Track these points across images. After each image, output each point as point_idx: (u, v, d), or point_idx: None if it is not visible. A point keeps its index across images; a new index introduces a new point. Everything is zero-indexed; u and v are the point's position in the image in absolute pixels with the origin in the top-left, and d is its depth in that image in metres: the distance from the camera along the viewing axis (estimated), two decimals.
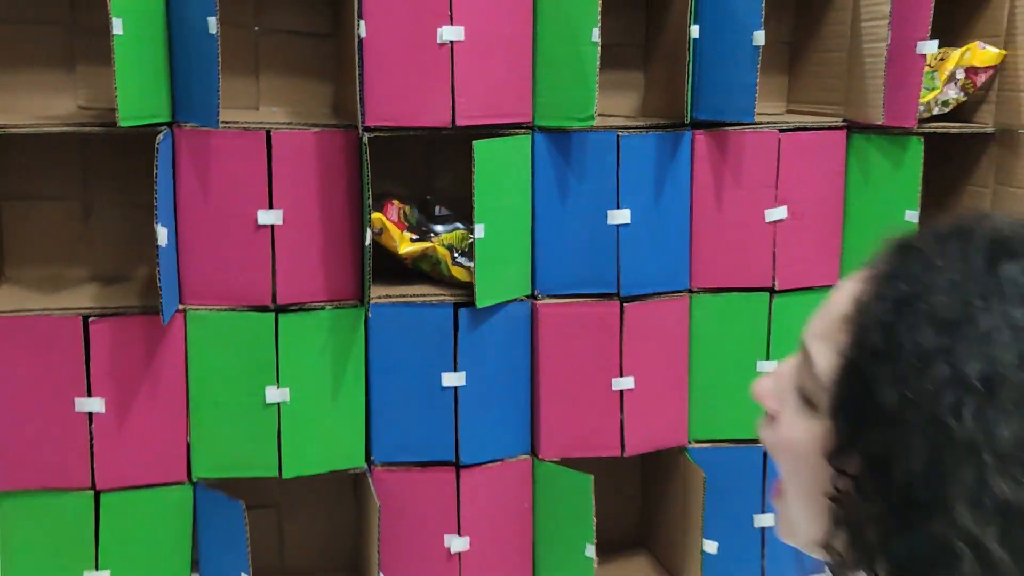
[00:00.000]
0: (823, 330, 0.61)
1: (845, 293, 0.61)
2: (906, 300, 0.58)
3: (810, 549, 0.65)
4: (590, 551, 1.30)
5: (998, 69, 1.32)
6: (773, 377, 0.66)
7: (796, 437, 0.63)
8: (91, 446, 1.17)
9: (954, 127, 1.35)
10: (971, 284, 0.52)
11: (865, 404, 0.57)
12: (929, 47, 1.20)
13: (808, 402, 0.62)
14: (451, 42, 1.16)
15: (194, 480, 1.22)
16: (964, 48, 1.33)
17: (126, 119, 1.04)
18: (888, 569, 0.54)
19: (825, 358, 0.59)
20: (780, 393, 0.64)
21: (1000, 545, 0.48)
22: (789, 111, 1.43)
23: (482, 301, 1.21)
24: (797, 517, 0.63)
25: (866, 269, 0.60)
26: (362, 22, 1.09)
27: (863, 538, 0.56)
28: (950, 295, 0.52)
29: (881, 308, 0.57)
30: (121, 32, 1.02)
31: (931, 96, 1.31)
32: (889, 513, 0.56)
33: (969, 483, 0.49)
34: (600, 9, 1.16)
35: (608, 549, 1.45)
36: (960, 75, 1.32)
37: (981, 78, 1.32)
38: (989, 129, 1.36)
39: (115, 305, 1.17)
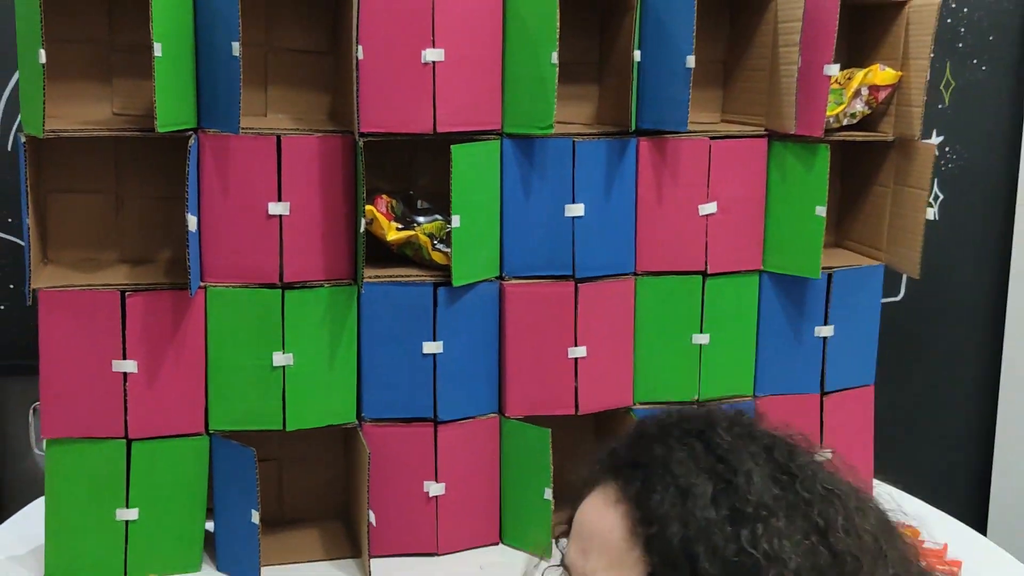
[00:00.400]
0: (608, 562, 0.72)
1: (609, 521, 0.72)
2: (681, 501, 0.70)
3: None
4: (548, 494, 1.49)
5: (895, 87, 1.54)
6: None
7: (602, 524, 0.75)
8: (125, 401, 1.34)
9: (859, 136, 1.57)
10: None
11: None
12: (832, 70, 1.42)
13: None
14: (433, 62, 1.36)
15: (211, 431, 1.39)
16: (867, 69, 1.54)
17: (163, 126, 1.24)
18: None
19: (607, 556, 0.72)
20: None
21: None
22: (723, 120, 1.64)
23: (458, 281, 1.41)
24: None
25: (608, 491, 0.73)
26: (359, 46, 1.30)
27: None
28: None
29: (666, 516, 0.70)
30: (160, 54, 1.22)
31: (839, 109, 1.53)
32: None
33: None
34: (559, 36, 1.36)
35: (569, 496, 1.66)
36: (864, 92, 1.55)
37: (882, 94, 1.55)
38: (889, 138, 1.57)
39: (146, 282, 1.35)
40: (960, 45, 2.01)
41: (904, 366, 2.09)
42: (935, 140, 2.04)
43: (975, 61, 2.03)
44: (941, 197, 2.06)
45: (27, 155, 1.24)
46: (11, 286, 1.67)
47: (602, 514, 0.74)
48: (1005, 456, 2.14)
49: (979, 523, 2.10)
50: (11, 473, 1.68)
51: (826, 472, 0.76)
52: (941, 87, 2.03)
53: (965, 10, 1.99)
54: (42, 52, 1.17)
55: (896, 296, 2.06)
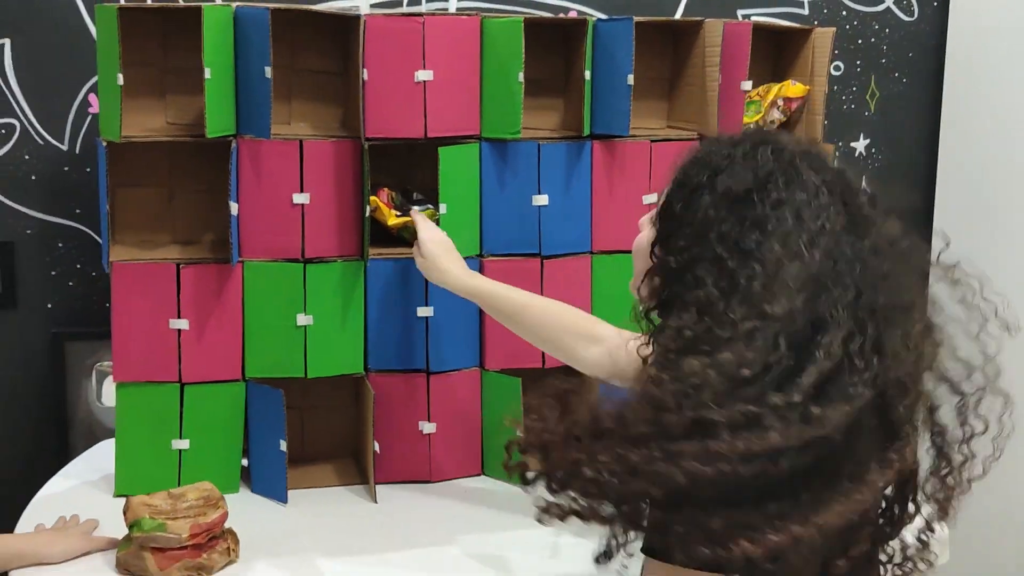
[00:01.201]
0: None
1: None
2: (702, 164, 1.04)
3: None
4: (520, 432, 1.83)
5: (805, 99, 1.87)
6: (645, 218, 1.17)
7: (640, 238, 1.15)
8: (179, 352, 1.65)
9: None
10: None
11: (666, 211, 1.05)
12: (747, 85, 1.73)
13: (652, 222, 1.10)
14: (424, 81, 1.64)
15: (246, 378, 1.70)
16: (781, 84, 1.86)
17: (211, 132, 1.57)
18: (662, 289, 1.04)
19: (658, 198, 1.09)
20: (645, 222, 1.15)
21: (731, 259, 0.96)
22: (668, 126, 1.92)
23: None
24: (636, 285, 1.11)
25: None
26: (364, 69, 1.62)
27: (654, 278, 1.05)
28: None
29: (684, 167, 1.06)
30: (209, 76, 1.55)
31: (758, 117, 1.85)
32: (668, 259, 1.03)
33: (705, 231, 0.99)
34: (524, 59, 1.67)
35: None
36: (780, 103, 1.86)
37: (793, 105, 1.86)
38: None
39: (196, 257, 1.69)
40: (884, 61, 2.32)
41: None
42: (863, 143, 2.35)
43: (897, 75, 2.33)
44: (869, 191, 2.36)
45: (107, 157, 1.57)
46: (77, 265, 1.99)
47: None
48: None
49: None
50: (75, 422, 2.01)
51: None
52: (867, 97, 2.33)
53: (887, 31, 2.30)
54: (120, 76, 1.50)
55: None
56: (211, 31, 1.53)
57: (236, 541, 1.46)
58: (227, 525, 1.45)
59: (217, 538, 1.42)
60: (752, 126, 1.81)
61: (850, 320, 0.96)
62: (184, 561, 1.38)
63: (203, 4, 1.53)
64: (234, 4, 1.60)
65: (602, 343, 1.46)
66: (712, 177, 1.02)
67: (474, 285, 1.56)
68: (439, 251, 1.58)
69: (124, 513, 1.42)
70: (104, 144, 1.56)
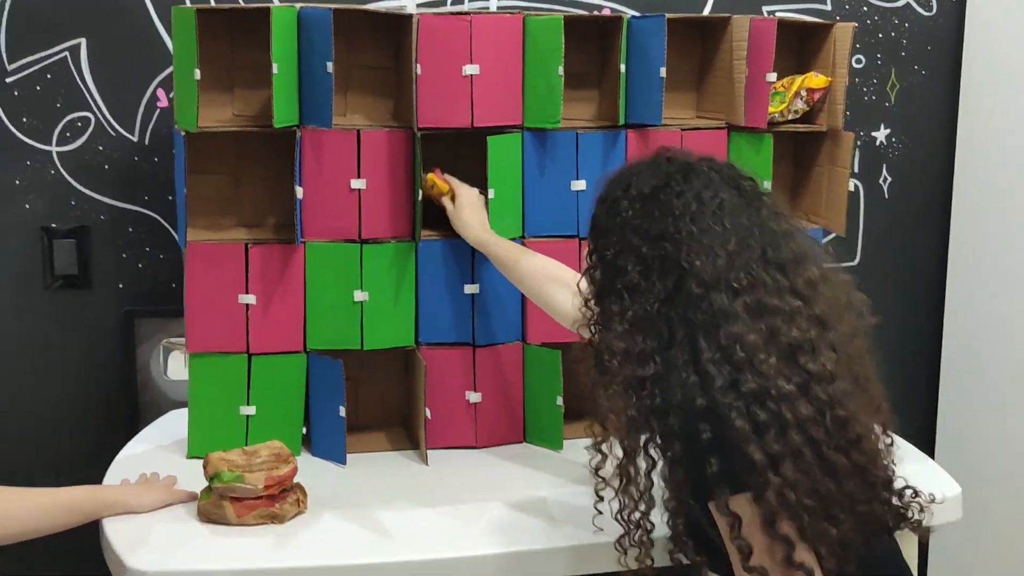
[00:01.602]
0: None
1: None
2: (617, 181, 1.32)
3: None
4: (559, 401, 1.90)
5: (827, 90, 1.98)
6: None
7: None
8: (247, 325, 1.77)
9: (800, 127, 1.98)
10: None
11: (593, 224, 1.31)
12: (771, 77, 1.84)
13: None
14: (471, 75, 1.77)
15: (308, 350, 1.84)
16: (805, 75, 1.97)
17: (278, 123, 1.71)
18: (594, 278, 1.28)
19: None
20: None
21: (647, 246, 1.19)
22: (697, 116, 2.04)
23: None
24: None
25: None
26: (418, 64, 1.75)
27: (592, 275, 1.28)
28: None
29: (604, 186, 1.32)
30: (277, 72, 1.69)
31: (783, 107, 1.96)
32: (596, 259, 1.29)
33: (623, 229, 1.21)
34: (564, 54, 1.80)
35: (574, 415, 2.07)
36: (803, 93, 1.97)
37: (816, 95, 1.97)
38: (823, 128, 1.97)
39: (262, 238, 1.83)
40: (903, 54, 2.42)
41: None
42: (883, 132, 2.45)
43: (916, 67, 2.44)
44: (889, 179, 2.47)
45: (185, 146, 1.71)
46: (146, 248, 2.14)
47: None
48: (949, 408, 2.52)
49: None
50: (144, 394, 2.16)
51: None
52: (888, 88, 2.44)
53: (906, 25, 2.41)
54: (197, 71, 1.65)
55: (853, 261, 2.48)
56: (278, 30, 1.67)
57: (304, 494, 1.60)
58: (295, 480, 1.60)
59: (288, 490, 1.57)
60: (776, 116, 1.93)
61: (763, 273, 1.20)
62: (259, 510, 1.53)
63: (271, 6, 1.67)
64: (297, 5, 1.74)
65: (568, 285, 1.63)
66: (625, 188, 1.28)
67: (484, 239, 1.75)
68: (464, 203, 1.78)
69: (204, 467, 1.56)
70: (183, 134, 1.70)
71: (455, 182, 1.82)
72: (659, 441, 1.24)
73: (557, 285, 1.66)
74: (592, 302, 1.33)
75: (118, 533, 1.50)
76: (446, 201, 1.82)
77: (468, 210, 1.77)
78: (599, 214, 1.32)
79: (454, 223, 1.80)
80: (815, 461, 1.15)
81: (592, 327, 1.33)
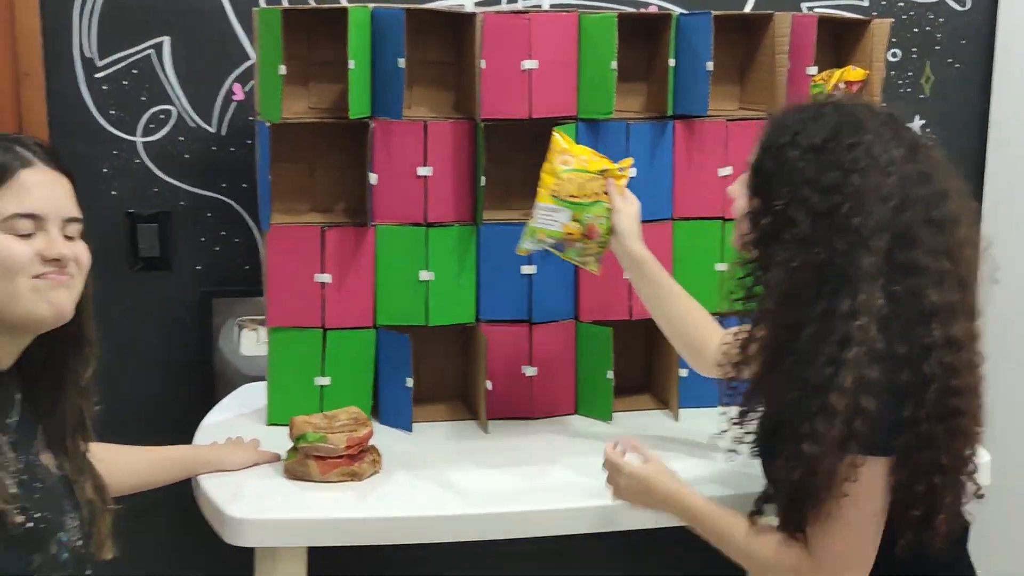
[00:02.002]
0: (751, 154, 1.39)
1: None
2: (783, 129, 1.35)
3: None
4: (610, 375, 2.01)
5: (864, 82, 2.09)
6: (735, 183, 1.45)
7: (737, 203, 1.42)
8: (323, 302, 1.89)
9: None
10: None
11: (759, 170, 1.35)
12: (812, 70, 1.96)
13: (745, 185, 1.39)
14: (530, 69, 1.88)
15: (377, 325, 1.98)
16: (843, 69, 2.06)
17: (354, 115, 1.85)
18: (758, 223, 1.32)
19: (751, 157, 1.39)
20: (736, 189, 1.44)
21: (817, 196, 1.25)
22: (740, 108, 2.13)
23: None
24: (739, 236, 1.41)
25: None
26: (482, 60, 1.88)
27: (756, 229, 1.34)
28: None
29: (767, 133, 1.36)
30: (353, 67, 1.83)
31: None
32: (765, 205, 1.32)
33: (789, 177, 1.29)
34: (616, 49, 1.94)
35: (623, 390, 2.14)
36: (842, 85, 2.07)
37: (854, 87, 2.07)
38: None
39: (337, 221, 1.98)
40: (938, 48, 2.52)
41: None
42: (918, 123, 2.56)
43: (950, 60, 2.53)
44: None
45: (269, 136, 1.86)
46: (222, 233, 2.28)
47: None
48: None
49: None
50: (220, 369, 2.32)
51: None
52: (923, 81, 2.54)
53: (941, 20, 2.51)
54: (282, 67, 1.79)
55: None
56: (355, 29, 1.81)
57: (379, 455, 1.75)
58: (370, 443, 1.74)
59: (365, 451, 1.71)
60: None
61: (923, 231, 1.25)
62: (341, 468, 1.67)
63: (348, 7, 1.81)
64: (370, 5, 1.88)
65: (713, 336, 1.68)
66: (792, 137, 1.29)
67: (645, 256, 1.71)
68: (623, 212, 1.70)
69: (290, 429, 1.71)
70: (267, 125, 1.85)
71: (614, 190, 1.72)
72: (802, 388, 1.28)
73: (706, 332, 1.69)
74: (753, 246, 1.35)
75: (214, 487, 1.65)
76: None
77: (626, 219, 1.70)
78: (765, 161, 1.32)
79: (617, 236, 1.71)
80: (950, 428, 1.24)
81: (753, 270, 1.37)
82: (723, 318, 2.02)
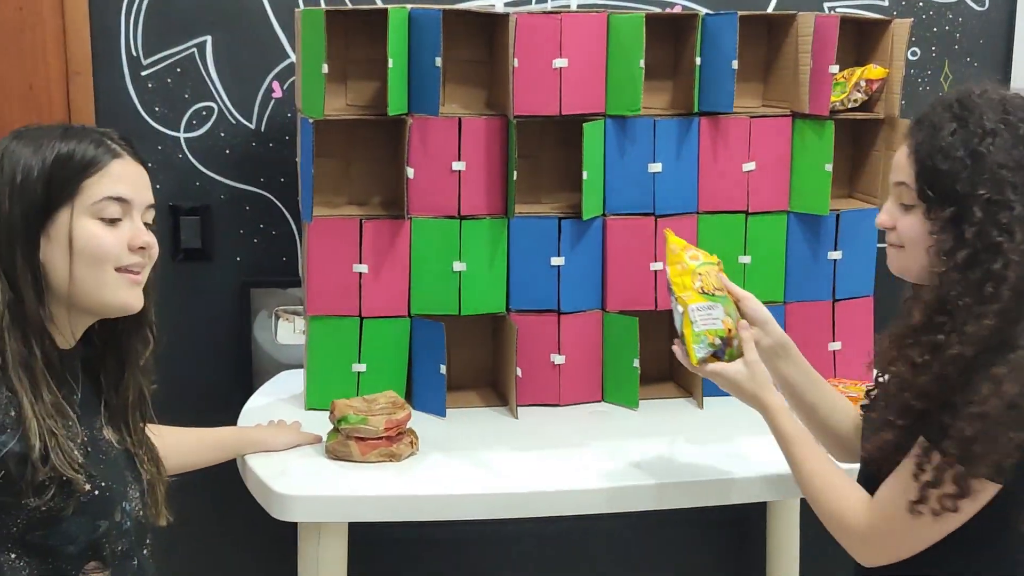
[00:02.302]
0: (895, 166, 1.28)
1: (900, 152, 1.28)
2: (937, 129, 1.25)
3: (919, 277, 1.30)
4: (636, 363, 2.10)
5: (884, 80, 2.15)
6: (882, 213, 1.33)
7: (909, 229, 1.29)
8: (360, 291, 1.97)
9: (859, 115, 2.12)
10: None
11: (934, 174, 1.23)
12: (834, 68, 2.02)
13: (905, 207, 1.28)
14: (560, 68, 1.96)
15: (411, 314, 2.06)
16: (864, 67, 2.12)
17: (392, 111, 1.93)
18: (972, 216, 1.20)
19: (904, 174, 1.27)
20: (887, 215, 1.32)
21: (1014, 174, 1.19)
22: (763, 104, 2.19)
23: (587, 215, 1.97)
24: (912, 264, 1.31)
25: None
26: (515, 59, 1.95)
27: (958, 232, 1.22)
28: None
29: (924, 137, 1.26)
30: (392, 65, 1.91)
31: (843, 96, 2.12)
32: (951, 223, 1.21)
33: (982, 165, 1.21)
34: (644, 47, 2.01)
35: (648, 378, 2.19)
36: (862, 83, 2.14)
37: (875, 86, 2.14)
38: (880, 116, 2.12)
39: (374, 213, 2.06)
40: (957, 47, 2.57)
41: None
42: None
43: (968, 59, 2.58)
44: None
45: (313, 132, 1.93)
46: (261, 225, 2.36)
47: (900, 149, 1.32)
48: None
49: None
50: (258, 356, 2.40)
51: None
52: (942, 79, 2.59)
53: (960, 19, 2.56)
54: (325, 66, 1.87)
55: None
56: (394, 30, 1.88)
57: (416, 437, 1.82)
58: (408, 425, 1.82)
59: (403, 433, 1.79)
60: (836, 104, 2.10)
61: None
62: (380, 449, 1.75)
63: (389, 8, 1.89)
64: (408, 7, 1.95)
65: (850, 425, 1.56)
66: (953, 131, 1.24)
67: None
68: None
69: (331, 412, 1.79)
70: (310, 122, 1.93)
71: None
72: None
73: (847, 417, 1.57)
74: (955, 254, 1.24)
75: (260, 466, 1.73)
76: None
77: (760, 305, 1.56)
78: (939, 164, 1.24)
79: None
80: None
81: (956, 285, 1.24)
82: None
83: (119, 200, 1.25)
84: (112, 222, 1.25)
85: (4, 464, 1.16)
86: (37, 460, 1.16)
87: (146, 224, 1.29)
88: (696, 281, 1.54)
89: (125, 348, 1.34)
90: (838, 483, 1.39)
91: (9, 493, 1.17)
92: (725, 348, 1.52)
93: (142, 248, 1.27)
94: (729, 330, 1.52)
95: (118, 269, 1.25)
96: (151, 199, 1.32)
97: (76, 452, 1.23)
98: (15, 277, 1.20)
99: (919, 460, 1.26)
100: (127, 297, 1.27)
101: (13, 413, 1.17)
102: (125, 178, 1.26)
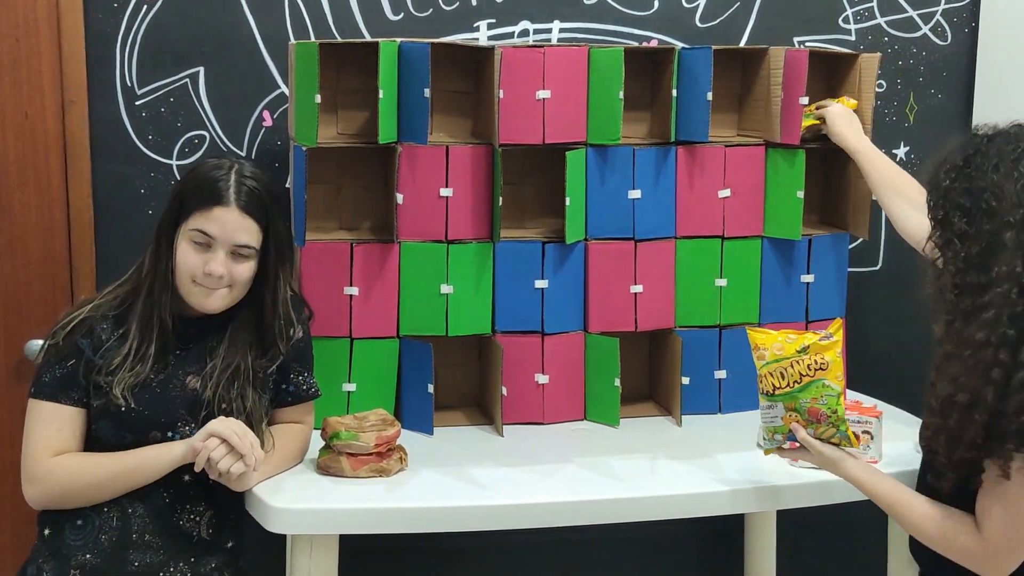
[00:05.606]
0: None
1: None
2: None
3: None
4: (617, 383, 2.16)
5: (854, 112, 2.25)
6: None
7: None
8: (350, 313, 2.03)
9: (830, 145, 2.23)
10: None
11: (941, 198, 1.51)
12: (804, 100, 2.12)
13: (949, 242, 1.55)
14: (543, 99, 2.06)
15: (400, 335, 2.13)
16: (838, 99, 2.21)
17: (382, 140, 2.00)
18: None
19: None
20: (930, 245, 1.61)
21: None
22: (738, 134, 2.30)
23: (570, 239, 2.06)
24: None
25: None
26: (500, 90, 2.04)
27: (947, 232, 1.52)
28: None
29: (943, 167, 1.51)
30: (382, 96, 1.99)
31: (811, 122, 2.22)
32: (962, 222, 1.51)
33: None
34: (623, 80, 2.09)
35: (629, 397, 2.25)
36: None
37: None
38: None
39: (364, 238, 2.12)
40: (921, 79, 2.68)
41: (880, 317, 2.75)
42: (903, 150, 2.71)
43: (932, 91, 2.69)
44: None
45: (306, 160, 2.00)
46: None
47: None
48: None
49: None
50: None
51: None
52: (907, 110, 2.70)
53: (924, 53, 2.67)
54: (318, 96, 1.95)
55: (875, 266, 2.73)
56: (384, 62, 1.96)
57: (405, 453, 1.88)
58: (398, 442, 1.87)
59: (393, 449, 1.85)
60: (805, 133, 2.20)
61: None
62: (370, 464, 1.81)
63: (380, 41, 1.97)
64: (397, 40, 2.03)
65: (911, 201, 1.96)
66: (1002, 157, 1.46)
67: (857, 148, 2.11)
68: (835, 118, 2.13)
69: (323, 429, 1.84)
70: (304, 150, 2.00)
71: (824, 103, 2.15)
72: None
73: (901, 199, 1.99)
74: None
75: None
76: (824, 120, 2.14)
77: (840, 121, 2.11)
78: (959, 184, 1.49)
79: (831, 136, 2.13)
80: None
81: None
82: (721, 330, 2.18)
83: (205, 234, 1.69)
84: (199, 246, 1.69)
85: (80, 363, 1.69)
86: (101, 369, 1.68)
87: (235, 254, 1.70)
88: (759, 382, 1.71)
89: (231, 336, 1.76)
90: (948, 524, 1.50)
91: (84, 376, 1.69)
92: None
93: (208, 274, 1.69)
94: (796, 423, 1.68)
95: (194, 281, 1.70)
96: (241, 240, 1.70)
97: (128, 381, 1.66)
98: (170, 253, 1.71)
99: (1002, 471, 1.40)
100: (199, 301, 1.71)
101: (116, 345, 1.70)
102: (218, 220, 1.69)
